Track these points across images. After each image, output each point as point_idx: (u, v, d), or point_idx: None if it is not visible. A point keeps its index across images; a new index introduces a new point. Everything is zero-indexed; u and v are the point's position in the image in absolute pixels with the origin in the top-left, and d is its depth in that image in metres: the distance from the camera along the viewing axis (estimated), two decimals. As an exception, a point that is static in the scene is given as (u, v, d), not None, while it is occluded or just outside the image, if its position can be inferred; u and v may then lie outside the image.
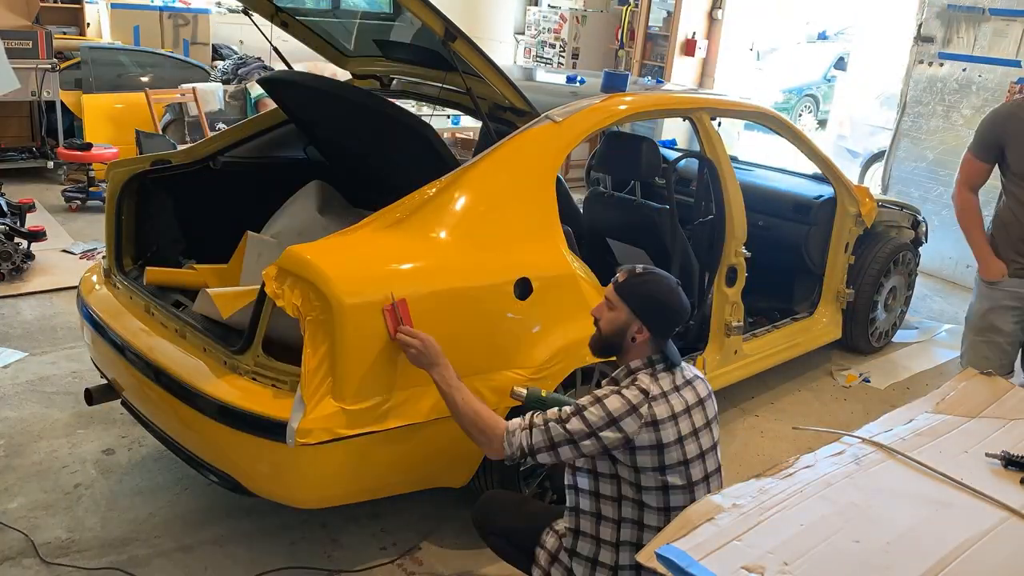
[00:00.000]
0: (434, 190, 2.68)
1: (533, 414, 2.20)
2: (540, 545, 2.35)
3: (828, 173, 4.25)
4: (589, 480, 2.25)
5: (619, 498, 2.22)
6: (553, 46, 8.80)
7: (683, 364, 2.30)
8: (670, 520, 2.12)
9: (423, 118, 3.15)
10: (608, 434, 2.11)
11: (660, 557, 2.43)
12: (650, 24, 8.35)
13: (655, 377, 2.21)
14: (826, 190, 4.34)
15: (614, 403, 2.13)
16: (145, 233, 3.29)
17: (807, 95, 13.65)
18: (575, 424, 2.12)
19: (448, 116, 7.28)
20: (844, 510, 2.63)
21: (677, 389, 2.23)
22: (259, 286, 2.48)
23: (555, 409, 2.20)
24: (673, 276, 2.35)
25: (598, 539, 2.24)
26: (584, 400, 2.18)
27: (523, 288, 2.68)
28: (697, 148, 3.57)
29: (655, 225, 3.65)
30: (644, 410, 2.14)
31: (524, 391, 2.49)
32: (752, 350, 3.87)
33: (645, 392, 2.16)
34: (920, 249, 5.01)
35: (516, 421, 2.20)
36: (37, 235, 5.09)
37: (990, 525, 2.51)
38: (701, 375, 2.34)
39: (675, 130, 7.06)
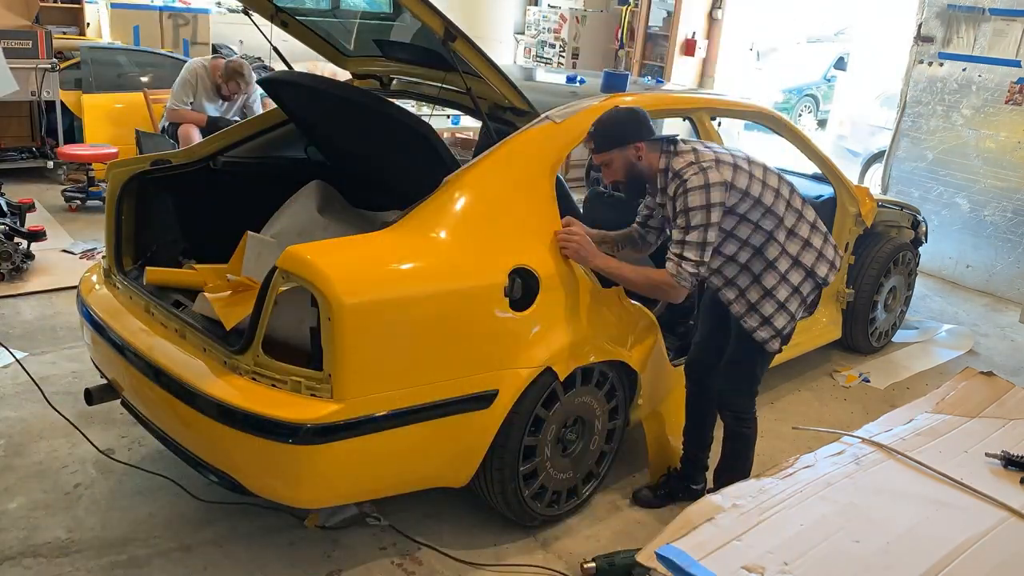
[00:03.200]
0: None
1: (673, 253, 2.65)
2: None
3: (828, 173, 4.25)
4: (732, 245, 2.72)
5: (766, 241, 2.72)
6: (553, 46, 8.80)
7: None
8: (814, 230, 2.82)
9: (423, 118, 3.15)
10: (713, 196, 2.57)
11: (660, 557, 2.43)
12: (650, 24, 8.35)
13: (680, 154, 2.67)
14: (826, 190, 4.34)
15: (695, 199, 2.57)
16: (145, 233, 3.29)
17: (807, 95, 13.65)
18: (696, 236, 2.59)
19: (448, 116, 7.27)
20: (844, 510, 2.63)
21: (717, 155, 2.67)
22: (258, 289, 2.48)
23: (680, 235, 2.63)
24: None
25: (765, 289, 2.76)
26: (680, 220, 2.61)
27: (523, 288, 2.68)
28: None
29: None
30: (706, 161, 2.62)
31: (594, 564, 2.68)
32: (752, 350, 3.87)
33: (702, 167, 2.60)
34: (920, 249, 5.01)
35: (669, 266, 2.64)
36: (37, 235, 5.08)
37: (990, 525, 2.51)
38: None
39: (675, 130, 7.05)
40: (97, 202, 6.29)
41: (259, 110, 6.34)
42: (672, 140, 2.70)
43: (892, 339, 4.93)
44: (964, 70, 6.12)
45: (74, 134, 7.25)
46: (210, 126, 5.98)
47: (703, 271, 2.64)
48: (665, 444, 3.27)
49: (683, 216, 2.60)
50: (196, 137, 5.84)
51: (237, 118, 6.38)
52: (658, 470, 3.26)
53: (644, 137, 2.67)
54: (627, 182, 2.74)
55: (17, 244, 4.89)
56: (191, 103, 6.11)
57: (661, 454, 3.26)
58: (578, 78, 3.82)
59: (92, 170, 6.45)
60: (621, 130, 2.69)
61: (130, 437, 3.37)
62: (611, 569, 2.65)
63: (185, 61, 7.76)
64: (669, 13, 8.14)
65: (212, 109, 6.22)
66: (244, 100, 6.32)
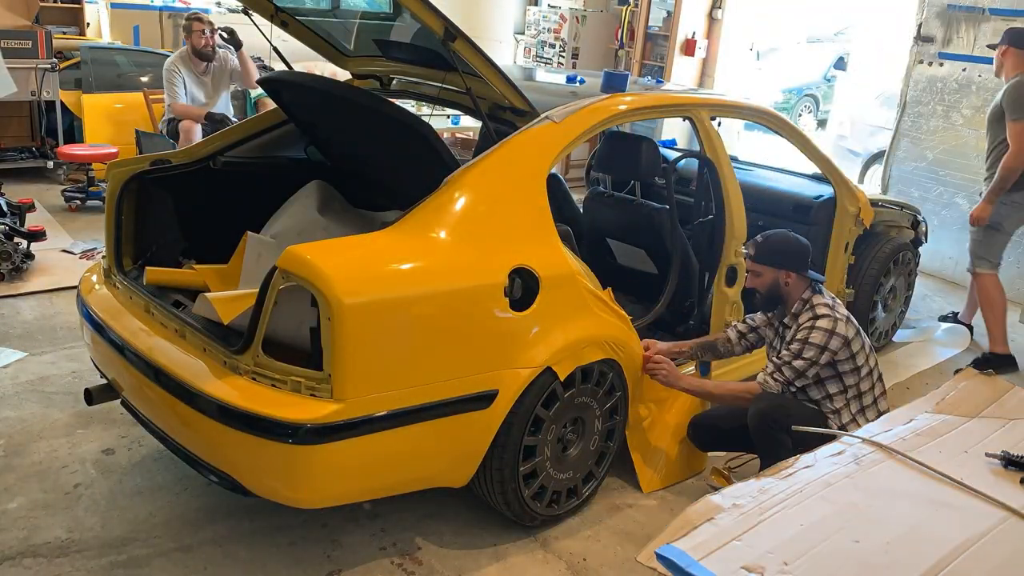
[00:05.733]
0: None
1: (772, 366, 3.03)
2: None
3: (828, 173, 4.25)
4: (816, 389, 3.06)
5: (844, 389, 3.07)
6: (553, 46, 8.79)
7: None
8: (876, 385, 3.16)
9: (423, 118, 3.15)
10: (833, 344, 2.95)
11: (660, 557, 2.43)
12: (650, 24, 8.34)
13: (823, 295, 3.06)
14: (826, 190, 4.34)
15: (818, 338, 2.95)
16: (145, 233, 3.29)
17: (807, 95, 13.65)
18: (800, 364, 2.97)
19: (448, 116, 7.27)
20: (844, 510, 2.63)
21: (840, 305, 3.07)
22: (258, 289, 2.48)
23: (788, 356, 2.99)
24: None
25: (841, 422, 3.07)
26: (795, 346, 2.99)
27: (523, 288, 2.68)
28: (697, 148, 3.57)
29: (655, 225, 3.65)
30: (840, 312, 3.00)
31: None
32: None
33: (828, 305, 3.02)
34: (920, 249, 5.01)
35: (761, 376, 3.04)
36: (37, 235, 5.09)
37: (990, 525, 2.51)
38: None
39: (675, 130, 7.06)
40: (97, 202, 6.29)
41: (248, 71, 6.31)
42: (819, 281, 3.10)
43: (892, 339, 4.92)
44: (964, 70, 6.12)
45: (74, 134, 7.24)
46: (207, 119, 6.04)
47: (785, 391, 3.01)
48: (654, 451, 3.27)
49: (800, 344, 2.98)
50: (197, 135, 5.87)
51: (231, 107, 6.40)
52: (651, 481, 3.25)
53: (799, 270, 3.05)
54: (766, 296, 3.12)
55: (17, 244, 4.89)
56: (184, 96, 6.19)
57: (652, 462, 3.26)
58: (578, 78, 3.83)
59: (92, 170, 6.45)
60: (784, 255, 3.06)
61: (130, 437, 3.37)
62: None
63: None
64: (669, 13, 8.13)
65: (201, 93, 6.27)
66: (223, 62, 6.36)
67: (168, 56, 6.80)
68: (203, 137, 5.52)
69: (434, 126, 3.74)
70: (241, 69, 6.34)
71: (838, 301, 3.08)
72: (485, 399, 2.63)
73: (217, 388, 2.47)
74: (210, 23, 6.27)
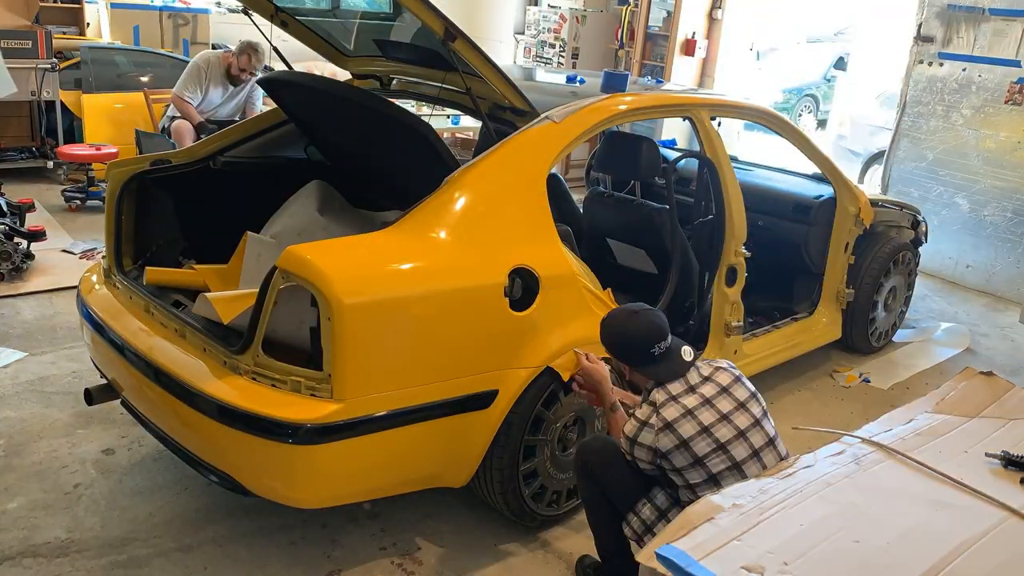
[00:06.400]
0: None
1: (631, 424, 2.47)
2: (634, 512, 2.51)
3: (828, 173, 4.25)
4: (663, 477, 2.50)
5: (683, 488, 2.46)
6: (553, 46, 8.79)
7: (700, 364, 2.51)
8: None
9: (423, 118, 3.15)
10: (637, 453, 2.42)
11: (660, 557, 2.43)
12: (650, 24, 8.34)
13: (665, 388, 2.44)
14: (826, 190, 4.34)
15: (628, 428, 2.44)
16: (145, 233, 3.29)
17: (807, 95, 13.64)
18: (624, 445, 2.46)
19: (448, 116, 7.27)
20: (844, 510, 2.63)
21: (692, 389, 2.44)
22: (258, 289, 2.48)
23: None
24: (638, 304, 2.60)
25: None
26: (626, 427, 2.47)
27: (523, 288, 2.68)
28: (697, 148, 3.57)
29: (655, 225, 3.65)
30: (654, 420, 2.39)
31: None
32: (752, 350, 3.87)
33: (653, 404, 2.42)
34: (920, 249, 5.01)
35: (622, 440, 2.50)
36: (37, 235, 5.08)
37: (990, 525, 2.51)
38: (725, 365, 2.54)
39: (675, 130, 7.06)
40: (97, 202, 6.28)
41: (260, 108, 6.39)
42: (671, 375, 2.48)
43: (892, 339, 4.92)
44: (964, 70, 6.12)
45: (74, 134, 7.24)
46: (199, 128, 6.06)
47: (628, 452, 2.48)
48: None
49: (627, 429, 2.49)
50: (188, 138, 5.89)
51: (236, 118, 6.41)
52: None
53: (632, 364, 2.54)
54: (625, 384, 2.86)
55: (17, 244, 4.88)
56: (198, 95, 6.21)
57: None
58: (578, 78, 3.82)
59: (92, 170, 6.45)
60: (612, 347, 2.57)
61: (130, 437, 3.37)
62: None
63: (185, 61, 7.77)
64: (669, 13, 8.13)
65: (217, 96, 6.31)
66: (248, 91, 6.41)
67: (166, 55, 6.83)
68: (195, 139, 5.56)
69: (434, 126, 3.74)
70: (248, 99, 6.50)
71: (688, 396, 2.42)
72: (485, 399, 2.63)
73: (217, 388, 2.47)
74: (260, 60, 6.29)
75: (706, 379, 2.47)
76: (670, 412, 2.39)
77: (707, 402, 2.43)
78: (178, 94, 6.28)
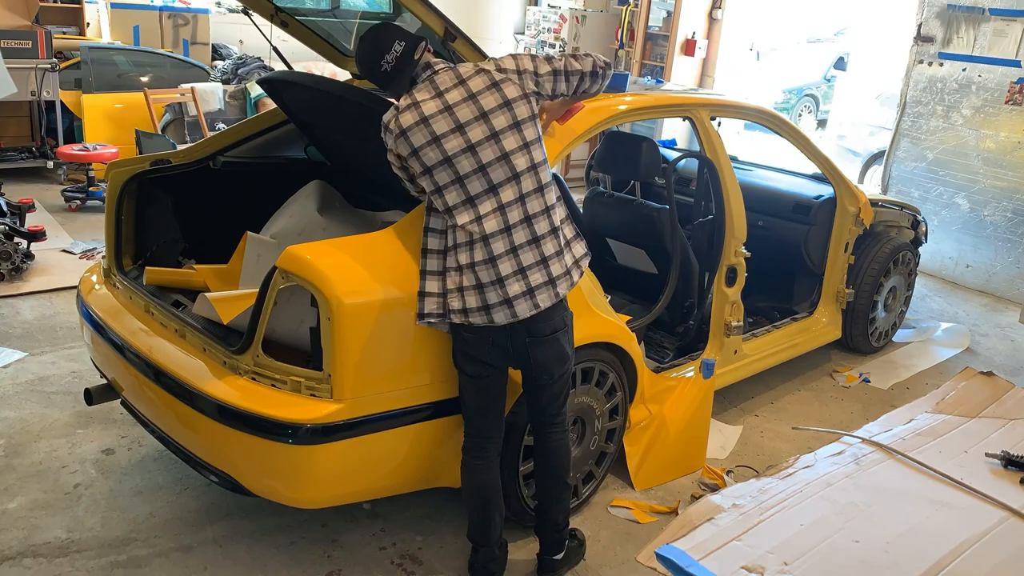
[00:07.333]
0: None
1: None
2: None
3: (828, 173, 4.25)
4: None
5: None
6: (553, 46, 8.79)
7: (467, 63, 2.38)
8: (474, 260, 2.33)
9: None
10: (388, 156, 2.40)
11: (660, 557, 2.43)
12: (650, 24, 8.34)
13: (410, 93, 2.35)
14: (826, 190, 4.34)
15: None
16: (145, 233, 3.29)
17: (807, 95, 13.64)
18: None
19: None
20: (844, 510, 2.63)
21: (440, 94, 2.32)
22: (258, 289, 2.48)
23: None
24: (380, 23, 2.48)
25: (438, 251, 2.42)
26: None
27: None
28: (697, 148, 3.57)
29: (655, 225, 3.65)
30: (392, 124, 2.34)
31: None
32: (752, 350, 3.87)
33: (395, 108, 2.34)
34: (920, 249, 5.01)
35: None
36: (37, 235, 5.09)
37: (990, 525, 2.51)
38: (491, 67, 2.36)
39: (675, 130, 7.06)
40: (97, 202, 6.29)
41: None
42: (426, 71, 2.38)
43: (892, 339, 4.92)
44: (964, 70, 6.12)
45: (74, 134, 7.25)
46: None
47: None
48: (648, 449, 3.27)
49: None
50: None
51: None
52: (645, 479, 3.24)
53: (361, 71, 2.45)
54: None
55: (17, 244, 4.89)
56: None
57: (647, 460, 3.26)
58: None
59: (92, 170, 6.45)
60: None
61: (130, 437, 3.37)
62: None
63: (185, 61, 7.78)
64: (669, 13, 8.13)
65: None
66: None
67: (166, 55, 6.82)
68: None
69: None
70: None
71: (431, 101, 2.33)
72: (485, 399, 2.62)
73: (217, 388, 2.47)
74: None
75: (461, 81, 2.32)
76: (406, 118, 2.32)
77: (447, 109, 2.30)
78: None
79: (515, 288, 2.31)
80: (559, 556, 2.71)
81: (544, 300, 2.33)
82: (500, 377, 2.48)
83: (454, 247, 2.34)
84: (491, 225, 2.30)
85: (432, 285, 2.39)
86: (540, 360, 2.42)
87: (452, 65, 2.38)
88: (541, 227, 2.34)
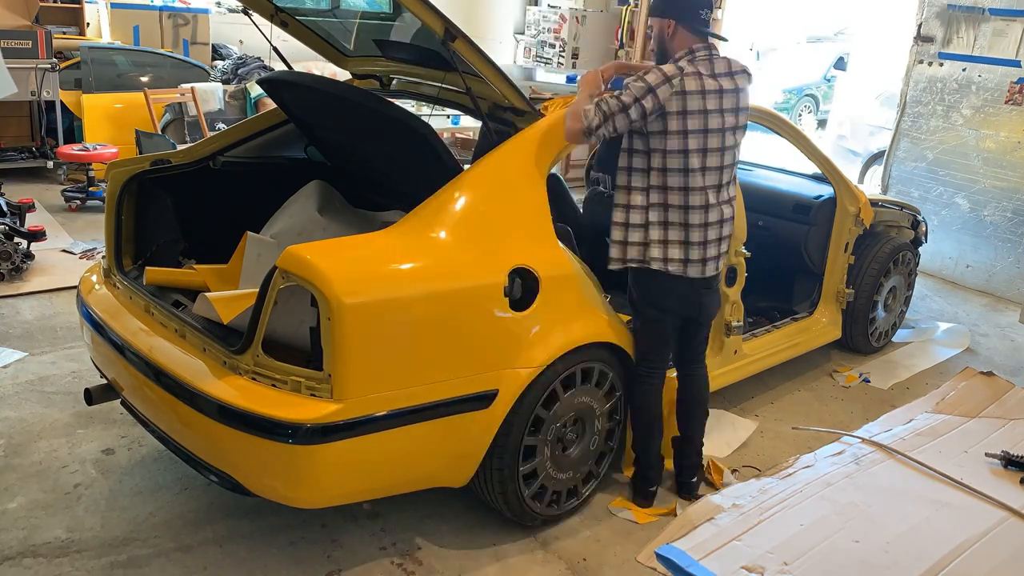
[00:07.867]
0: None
1: (599, 100, 2.71)
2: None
3: (828, 173, 4.25)
4: (626, 157, 2.84)
5: (647, 169, 2.80)
6: (553, 46, 8.79)
7: (731, 58, 2.85)
8: (688, 216, 2.82)
9: (423, 118, 3.15)
10: (647, 101, 2.66)
11: (660, 557, 2.44)
12: (650, 24, 8.36)
13: (693, 61, 2.75)
14: (826, 190, 4.34)
15: (652, 77, 2.68)
16: (145, 233, 3.29)
17: (807, 95, 13.65)
18: (625, 97, 2.67)
19: (448, 116, 7.27)
20: (844, 510, 2.63)
21: (715, 76, 2.77)
22: (258, 289, 2.48)
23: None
24: None
25: (628, 206, 2.86)
26: (630, 79, 2.72)
27: (523, 288, 2.68)
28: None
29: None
30: (676, 81, 2.69)
31: None
32: (752, 350, 3.87)
33: (680, 69, 2.71)
34: (920, 249, 5.01)
35: (590, 106, 2.72)
36: (37, 235, 5.09)
37: (990, 525, 2.51)
38: (742, 69, 2.87)
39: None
40: (97, 202, 6.29)
41: None
42: (707, 51, 2.81)
43: (892, 339, 4.93)
44: (964, 70, 6.12)
45: (74, 134, 7.25)
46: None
47: (602, 130, 2.71)
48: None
49: (635, 78, 2.74)
50: None
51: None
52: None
53: (680, 21, 2.82)
54: (657, 53, 2.94)
55: (17, 244, 4.89)
56: None
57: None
58: (578, 78, 3.82)
59: (92, 170, 6.45)
60: (664, 2, 2.89)
61: (130, 437, 3.37)
62: None
63: (185, 61, 7.78)
64: (669, 13, 8.14)
65: None
66: None
67: (166, 55, 6.82)
68: None
69: (434, 126, 3.74)
70: None
71: (709, 79, 2.77)
72: (485, 399, 2.63)
73: (217, 388, 2.47)
74: None
75: (729, 74, 2.79)
76: (690, 84, 2.70)
77: (720, 92, 2.75)
78: None
79: (712, 251, 2.87)
80: (694, 479, 3.15)
81: (721, 264, 2.99)
82: (675, 320, 3.00)
83: (666, 205, 2.80)
84: (712, 198, 2.82)
85: (635, 235, 2.85)
86: (707, 306, 3.01)
87: (719, 54, 2.82)
88: (728, 212, 2.92)
